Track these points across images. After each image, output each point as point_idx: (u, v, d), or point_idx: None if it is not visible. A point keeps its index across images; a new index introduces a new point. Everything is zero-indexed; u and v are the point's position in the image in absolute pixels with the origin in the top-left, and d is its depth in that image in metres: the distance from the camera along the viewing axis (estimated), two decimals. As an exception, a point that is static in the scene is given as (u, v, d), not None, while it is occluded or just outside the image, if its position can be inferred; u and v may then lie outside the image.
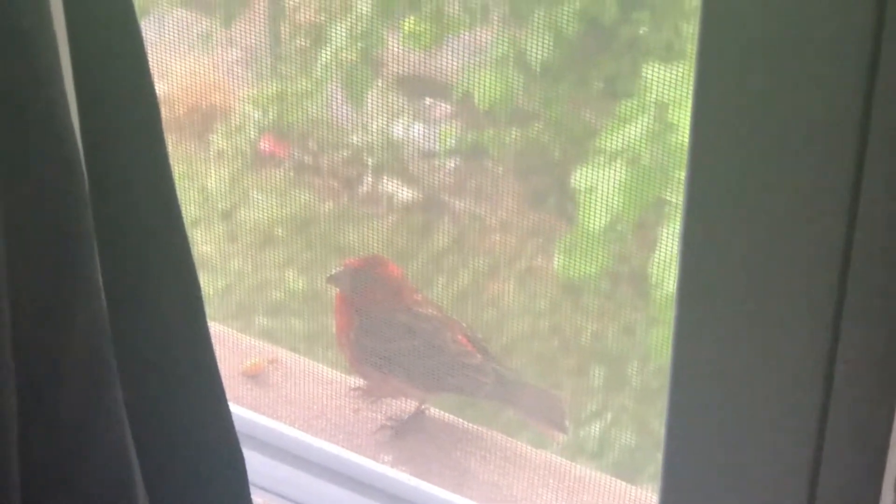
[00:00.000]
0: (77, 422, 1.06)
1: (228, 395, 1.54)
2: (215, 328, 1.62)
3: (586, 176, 1.29)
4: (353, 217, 1.54)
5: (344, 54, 1.38)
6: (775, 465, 0.99)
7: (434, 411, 1.59)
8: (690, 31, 1.22)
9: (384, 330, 1.53)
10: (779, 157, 0.88)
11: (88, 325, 1.02)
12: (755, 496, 1.01)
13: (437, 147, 1.44)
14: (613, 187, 1.25)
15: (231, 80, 1.48)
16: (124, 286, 1.07)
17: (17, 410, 1.00)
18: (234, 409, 1.54)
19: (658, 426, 1.48)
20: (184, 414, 1.15)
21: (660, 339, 1.39)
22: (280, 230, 1.55)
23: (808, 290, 0.91)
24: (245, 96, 1.50)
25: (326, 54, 1.39)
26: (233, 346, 1.64)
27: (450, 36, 1.30)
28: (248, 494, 1.20)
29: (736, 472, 1.01)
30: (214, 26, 1.40)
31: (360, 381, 1.60)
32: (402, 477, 1.53)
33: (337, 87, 1.42)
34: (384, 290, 1.51)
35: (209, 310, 1.53)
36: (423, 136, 1.43)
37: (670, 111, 1.22)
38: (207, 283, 1.58)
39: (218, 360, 1.56)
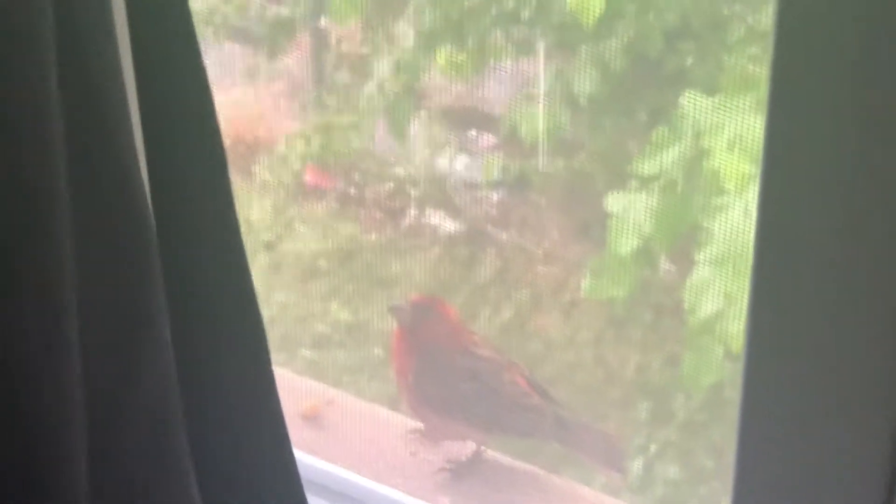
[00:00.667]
0: (141, 474, 1.06)
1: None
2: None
3: (622, 201, 1.29)
4: (398, 249, 1.54)
5: (388, 86, 1.38)
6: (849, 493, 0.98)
7: (492, 453, 1.58)
8: (731, 62, 1.21)
9: (443, 373, 1.53)
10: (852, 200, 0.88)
11: (156, 377, 1.03)
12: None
13: (480, 178, 1.44)
14: (647, 212, 1.25)
15: (276, 112, 1.49)
16: (192, 335, 1.08)
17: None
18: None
19: (701, 456, 1.46)
20: (249, 463, 1.16)
21: (696, 365, 1.37)
22: (324, 262, 1.56)
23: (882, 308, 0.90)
24: (290, 128, 1.51)
25: (371, 86, 1.40)
26: (288, 387, 1.64)
27: (494, 67, 1.31)
28: None
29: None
30: (260, 59, 1.41)
31: (417, 423, 1.59)
32: (458, 521, 1.52)
33: (381, 119, 1.43)
34: (443, 330, 1.52)
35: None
36: (467, 167, 1.43)
37: (706, 138, 1.22)
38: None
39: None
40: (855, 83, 0.84)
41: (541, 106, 1.31)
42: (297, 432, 1.57)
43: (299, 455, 1.55)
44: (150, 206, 1.00)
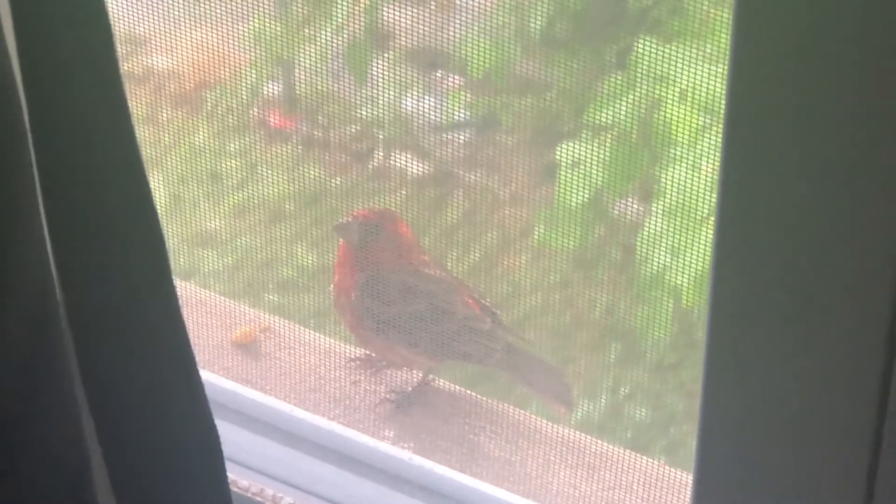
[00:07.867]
0: (15, 390, 0.99)
1: (216, 366, 1.50)
2: (203, 294, 1.56)
3: (571, 151, 1.30)
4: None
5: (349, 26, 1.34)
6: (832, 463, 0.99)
7: (440, 383, 1.52)
8: (691, 8, 1.21)
9: (389, 291, 1.48)
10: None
11: (27, 285, 0.97)
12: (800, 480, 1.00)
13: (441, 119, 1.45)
14: (599, 162, 1.28)
15: (237, 54, 1.43)
16: (75, 238, 1.01)
17: None
18: (222, 381, 1.49)
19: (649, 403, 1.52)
20: (149, 383, 1.11)
21: (645, 317, 1.40)
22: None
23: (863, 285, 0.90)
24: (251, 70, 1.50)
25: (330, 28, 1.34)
26: (222, 313, 1.57)
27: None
28: (223, 468, 1.12)
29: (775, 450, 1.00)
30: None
31: (359, 351, 1.53)
32: (403, 455, 1.46)
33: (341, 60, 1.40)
34: (392, 246, 1.48)
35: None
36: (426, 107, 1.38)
37: (660, 87, 1.24)
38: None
39: (206, 329, 1.50)
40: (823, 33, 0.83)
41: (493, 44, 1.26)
42: (227, 360, 1.52)
43: (228, 384, 1.50)
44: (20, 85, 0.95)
